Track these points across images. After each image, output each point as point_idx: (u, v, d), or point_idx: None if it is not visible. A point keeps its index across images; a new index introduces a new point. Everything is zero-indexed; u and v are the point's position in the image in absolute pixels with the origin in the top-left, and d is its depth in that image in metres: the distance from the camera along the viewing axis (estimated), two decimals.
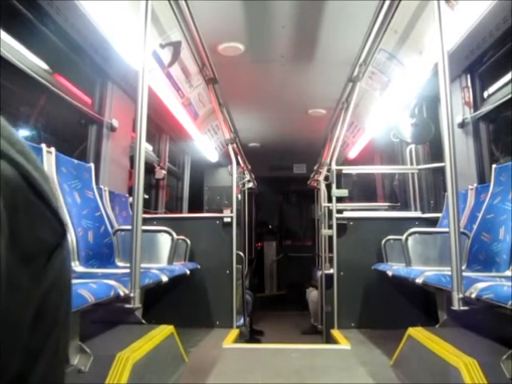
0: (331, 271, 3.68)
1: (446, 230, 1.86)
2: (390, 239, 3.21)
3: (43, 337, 0.32)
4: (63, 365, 0.37)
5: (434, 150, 3.99)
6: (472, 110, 3.16)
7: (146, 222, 2.65)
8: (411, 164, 4.37)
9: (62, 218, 0.33)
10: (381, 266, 3.20)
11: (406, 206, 4.69)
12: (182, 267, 2.96)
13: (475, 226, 2.71)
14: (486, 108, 3.05)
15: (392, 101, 4.08)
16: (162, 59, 3.45)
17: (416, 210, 4.30)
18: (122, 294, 1.81)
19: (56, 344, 0.34)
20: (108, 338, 2.15)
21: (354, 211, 4.35)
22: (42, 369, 0.32)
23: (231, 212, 3.61)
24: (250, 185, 6.40)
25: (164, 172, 5.08)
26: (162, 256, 2.81)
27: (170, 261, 2.81)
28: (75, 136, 3.38)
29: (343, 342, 2.99)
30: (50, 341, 0.33)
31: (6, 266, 0.25)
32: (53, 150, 2.48)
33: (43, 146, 2.38)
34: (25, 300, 0.28)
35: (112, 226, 2.95)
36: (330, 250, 3.79)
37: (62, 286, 0.34)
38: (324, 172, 4.82)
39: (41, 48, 2.61)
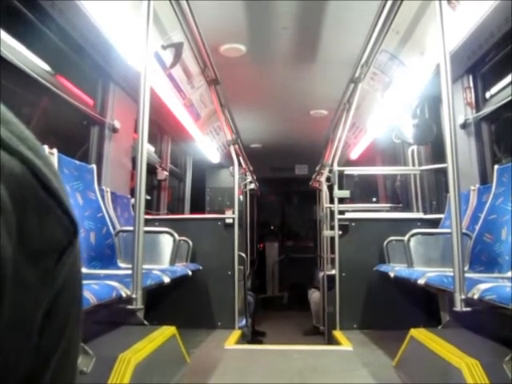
0: (333, 272, 3.68)
1: (448, 230, 1.86)
2: (391, 240, 3.21)
3: (54, 338, 0.32)
4: (74, 367, 0.37)
5: (436, 151, 3.99)
6: (474, 111, 3.15)
7: (147, 223, 2.66)
8: (413, 165, 4.36)
9: (73, 216, 0.32)
10: (383, 267, 3.19)
11: (407, 207, 4.69)
12: (183, 268, 2.96)
13: (477, 227, 2.71)
14: (488, 109, 3.04)
15: (394, 101, 4.08)
16: (164, 60, 3.45)
17: (418, 210, 4.29)
18: (123, 295, 1.82)
19: (67, 346, 0.33)
20: (110, 339, 2.15)
21: (356, 212, 4.35)
22: (53, 371, 0.31)
23: (233, 213, 3.61)
24: (252, 186, 6.41)
25: (166, 173, 5.09)
26: (164, 257, 2.82)
27: (172, 262, 2.81)
28: (77, 137, 3.39)
29: (345, 343, 2.99)
30: (61, 342, 0.32)
31: (15, 266, 0.25)
32: (55, 151, 2.48)
33: (45, 147, 2.39)
34: (35, 300, 0.28)
35: (114, 227, 2.95)
36: (332, 251, 3.79)
37: (73, 286, 0.34)
38: (326, 173, 4.82)
39: (43, 49, 2.61)
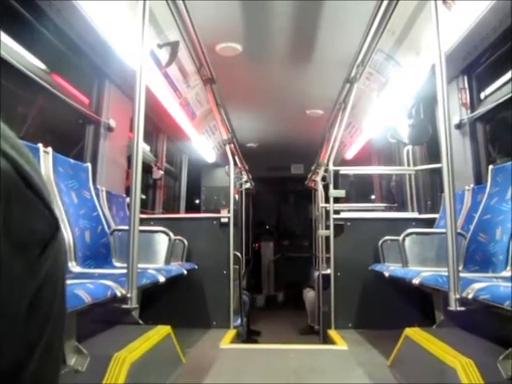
0: (328, 271, 3.68)
1: (443, 230, 1.87)
2: (386, 240, 3.21)
3: (37, 330, 0.32)
4: (58, 361, 0.37)
5: (431, 151, 4.00)
6: (469, 111, 3.17)
7: (143, 222, 2.65)
8: (408, 165, 4.37)
9: (55, 211, 0.33)
10: (378, 267, 3.20)
11: (402, 207, 4.70)
12: (179, 267, 2.95)
13: (472, 227, 2.72)
14: (482, 109, 3.06)
15: (389, 101, 4.09)
16: (160, 59, 3.44)
17: (413, 210, 4.31)
18: (118, 294, 1.81)
19: (51, 339, 0.34)
20: (105, 339, 2.15)
21: (351, 212, 4.36)
22: (36, 363, 0.32)
23: (228, 212, 3.61)
24: (248, 185, 6.40)
25: (161, 172, 5.08)
26: (159, 256, 2.81)
27: (167, 261, 2.81)
28: (72, 136, 3.38)
29: (340, 342, 2.99)
30: (44, 335, 0.33)
31: (1, 256, 0.26)
32: (50, 149, 2.47)
33: (40, 145, 2.38)
34: (20, 291, 0.29)
35: (109, 226, 2.94)
36: (327, 251, 3.80)
37: (56, 280, 0.34)
38: (321, 172, 4.84)
39: (38, 48, 2.60)
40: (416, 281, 2.30)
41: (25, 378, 0.31)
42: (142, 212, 2.13)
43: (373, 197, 6.67)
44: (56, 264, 0.33)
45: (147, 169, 4.81)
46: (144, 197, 4.90)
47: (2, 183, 0.27)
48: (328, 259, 3.76)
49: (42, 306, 0.32)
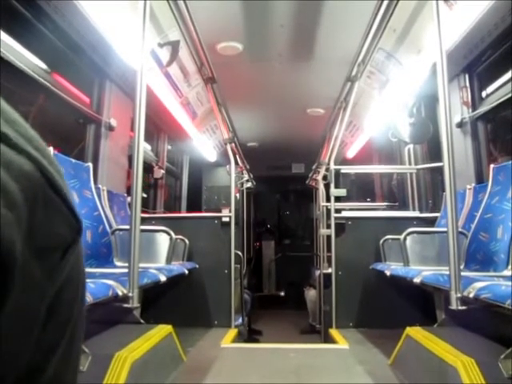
0: (329, 271, 3.68)
1: (444, 229, 1.86)
2: (388, 239, 3.21)
3: (56, 334, 0.32)
4: (76, 366, 0.37)
5: (433, 150, 3.99)
6: (470, 110, 3.16)
7: (144, 221, 2.65)
8: (409, 164, 4.37)
9: (78, 215, 0.33)
10: (379, 266, 3.20)
11: (404, 206, 4.69)
12: (180, 267, 2.95)
13: (473, 226, 2.72)
14: (484, 108, 3.05)
15: (390, 100, 4.08)
16: (161, 58, 3.44)
17: (414, 209, 4.30)
18: (120, 293, 1.81)
19: (69, 343, 0.34)
20: (106, 338, 2.15)
21: (353, 211, 4.35)
22: (55, 367, 0.32)
23: (229, 211, 3.61)
24: (249, 184, 6.40)
25: (162, 171, 5.08)
26: (161, 256, 2.81)
27: (169, 260, 2.81)
28: (73, 135, 3.38)
29: (341, 341, 2.99)
30: (62, 339, 0.33)
31: (23, 259, 0.26)
32: (51, 149, 2.47)
33: None
34: (40, 294, 0.29)
35: (110, 226, 2.95)
36: (329, 250, 3.79)
37: (76, 283, 0.34)
38: (322, 171, 4.83)
39: (39, 47, 2.60)
40: (417, 280, 2.30)
41: (43, 382, 0.31)
42: (143, 211, 2.14)
43: (370, 198, 6.67)
44: (75, 268, 0.33)
45: (148, 168, 4.81)
46: (145, 196, 4.90)
47: (29, 185, 0.27)
48: (329, 258, 3.76)
49: (62, 310, 0.32)
